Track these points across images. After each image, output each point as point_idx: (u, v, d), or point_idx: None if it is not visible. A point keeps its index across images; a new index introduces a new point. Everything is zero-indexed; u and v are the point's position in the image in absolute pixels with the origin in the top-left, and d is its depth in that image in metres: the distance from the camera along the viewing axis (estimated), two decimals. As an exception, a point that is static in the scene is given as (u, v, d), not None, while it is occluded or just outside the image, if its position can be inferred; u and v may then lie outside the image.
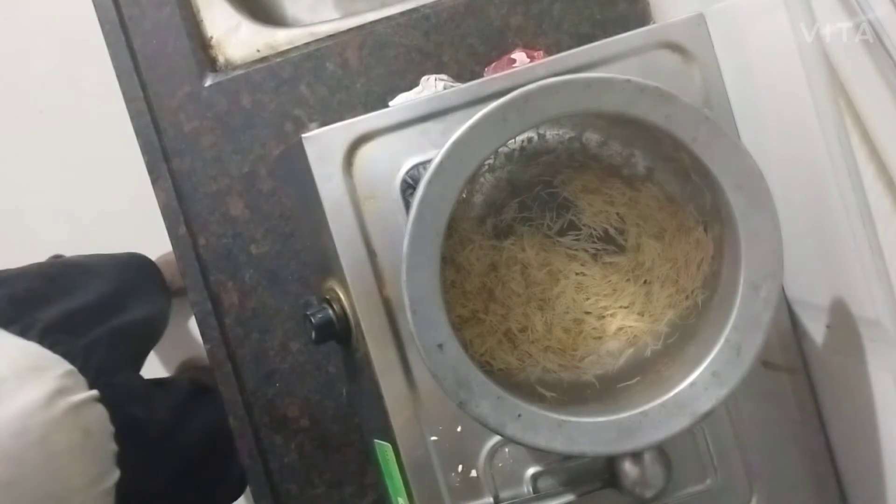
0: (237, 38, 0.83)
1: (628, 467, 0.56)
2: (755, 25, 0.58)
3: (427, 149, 0.61)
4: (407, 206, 0.61)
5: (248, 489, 0.81)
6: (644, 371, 0.58)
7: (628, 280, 0.61)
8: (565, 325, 0.61)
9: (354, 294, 0.61)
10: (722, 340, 0.53)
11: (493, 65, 0.77)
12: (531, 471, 0.62)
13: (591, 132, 0.60)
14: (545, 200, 0.62)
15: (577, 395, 0.58)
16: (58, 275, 0.98)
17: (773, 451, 0.64)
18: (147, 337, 1.12)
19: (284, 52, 0.81)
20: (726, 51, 0.62)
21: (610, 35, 0.63)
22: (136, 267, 1.14)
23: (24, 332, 0.82)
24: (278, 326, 0.80)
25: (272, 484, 0.81)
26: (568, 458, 0.62)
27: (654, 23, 0.79)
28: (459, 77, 0.77)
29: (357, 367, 0.67)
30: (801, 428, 0.64)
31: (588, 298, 0.61)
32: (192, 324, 0.82)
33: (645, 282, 0.61)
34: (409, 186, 0.61)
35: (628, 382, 0.57)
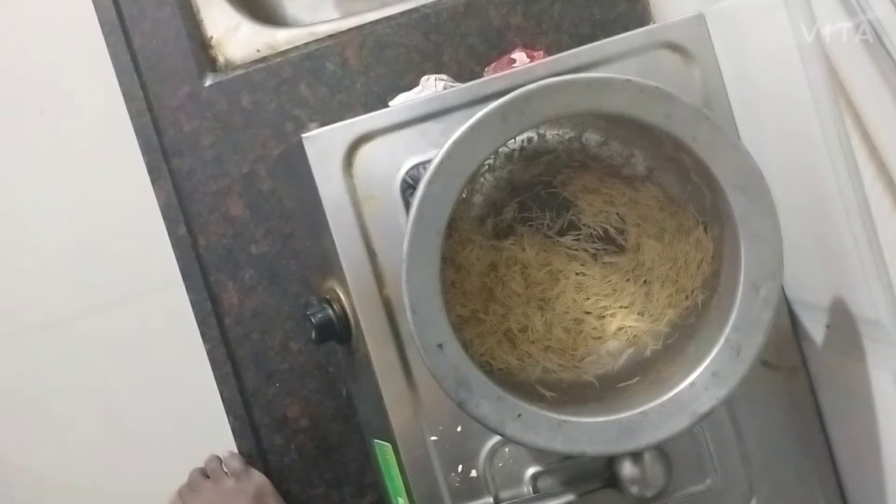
0: (237, 38, 0.83)
1: (628, 467, 0.56)
2: (755, 25, 0.58)
3: (427, 149, 0.61)
4: (407, 206, 0.61)
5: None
6: (644, 371, 0.58)
7: (628, 280, 0.61)
8: (565, 325, 0.61)
9: (354, 294, 0.61)
10: (722, 340, 0.53)
11: (493, 65, 0.77)
12: (531, 471, 0.62)
13: (591, 132, 0.60)
14: (545, 200, 0.62)
15: (577, 394, 0.58)
16: None
17: (773, 451, 0.64)
18: None
19: (284, 52, 0.81)
20: (726, 51, 0.62)
21: (610, 35, 0.63)
22: None
23: None
24: (278, 326, 0.80)
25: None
26: (568, 458, 0.62)
27: (654, 23, 0.79)
28: (459, 77, 0.77)
29: (357, 367, 0.67)
30: (801, 428, 0.64)
31: (588, 298, 0.61)
32: (193, 324, 0.82)
33: (645, 282, 0.61)
34: (409, 186, 0.61)
35: (628, 382, 0.57)
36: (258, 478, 0.81)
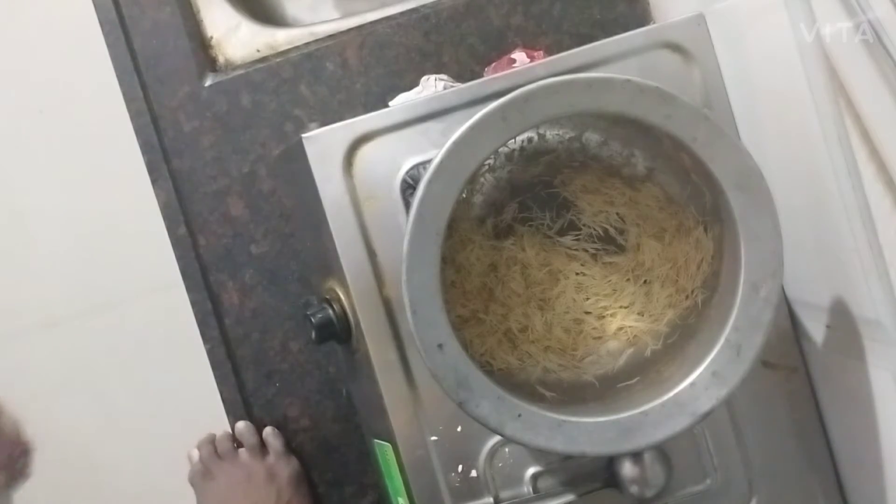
0: (237, 38, 0.83)
1: (628, 467, 0.56)
2: (755, 25, 0.58)
3: (427, 149, 0.61)
4: (407, 206, 0.61)
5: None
6: (644, 371, 0.58)
7: (628, 280, 0.61)
8: (565, 325, 0.61)
9: (354, 294, 0.61)
10: (722, 340, 0.53)
11: (493, 65, 0.77)
12: (531, 471, 0.62)
13: (591, 132, 0.60)
14: (545, 200, 0.62)
15: (577, 395, 0.58)
16: None
17: (773, 451, 0.64)
18: None
19: (284, 52, 0.81)
20: (726, 51, 0.62)
21: (610, 35, 0.63)
22: None
23: None
24: (278, 326, 0.80)
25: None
26: (568, 458, 0.62)
27: (654, 23, 0.79)
28: (459, 77, 0.77)
29: (357, 367, 0.67)
30: (801, 428, 0.64)
31: (588, 298, 0.61)
32: (193, 324, 0.82)
33: (645, 282, 0.61)
34: (409, 186, 0.61)
35: (628, 382, 0.57)
36: (295, 462, 0.80)
